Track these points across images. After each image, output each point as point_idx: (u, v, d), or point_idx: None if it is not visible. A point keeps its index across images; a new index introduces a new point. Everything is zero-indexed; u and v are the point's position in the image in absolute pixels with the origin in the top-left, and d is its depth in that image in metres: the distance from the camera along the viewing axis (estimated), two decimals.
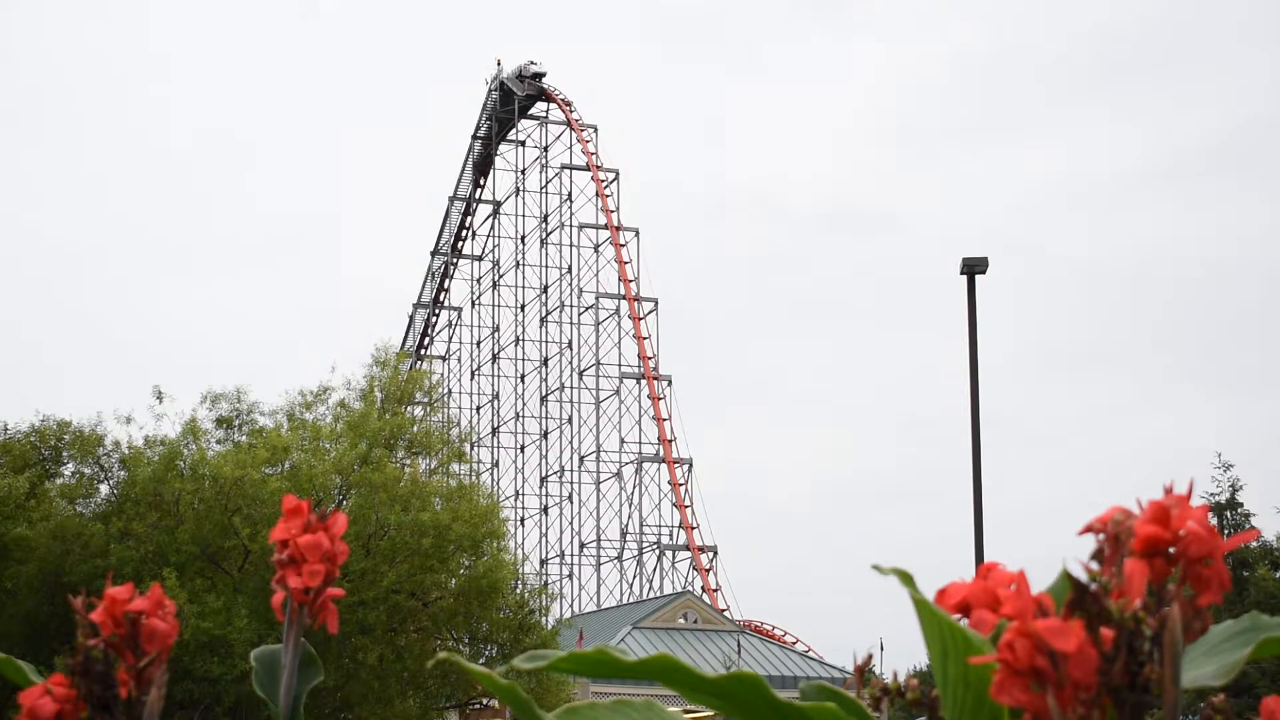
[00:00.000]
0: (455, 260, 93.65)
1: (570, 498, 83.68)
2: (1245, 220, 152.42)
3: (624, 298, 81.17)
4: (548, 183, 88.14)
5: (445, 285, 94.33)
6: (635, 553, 78.46)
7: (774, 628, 72.43)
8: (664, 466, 77.26)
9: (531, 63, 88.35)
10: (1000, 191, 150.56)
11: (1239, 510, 36.11)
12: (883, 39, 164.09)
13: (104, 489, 32.04)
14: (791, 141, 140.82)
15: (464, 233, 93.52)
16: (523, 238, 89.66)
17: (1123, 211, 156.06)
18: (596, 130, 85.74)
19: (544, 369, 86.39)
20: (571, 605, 77.90)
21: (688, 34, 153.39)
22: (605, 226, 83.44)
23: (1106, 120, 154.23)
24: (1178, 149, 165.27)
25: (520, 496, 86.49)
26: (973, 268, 23.54)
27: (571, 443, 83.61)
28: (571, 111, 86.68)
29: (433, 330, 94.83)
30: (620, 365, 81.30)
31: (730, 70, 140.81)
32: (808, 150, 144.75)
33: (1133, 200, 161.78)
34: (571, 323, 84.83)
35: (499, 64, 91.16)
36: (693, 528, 75.22)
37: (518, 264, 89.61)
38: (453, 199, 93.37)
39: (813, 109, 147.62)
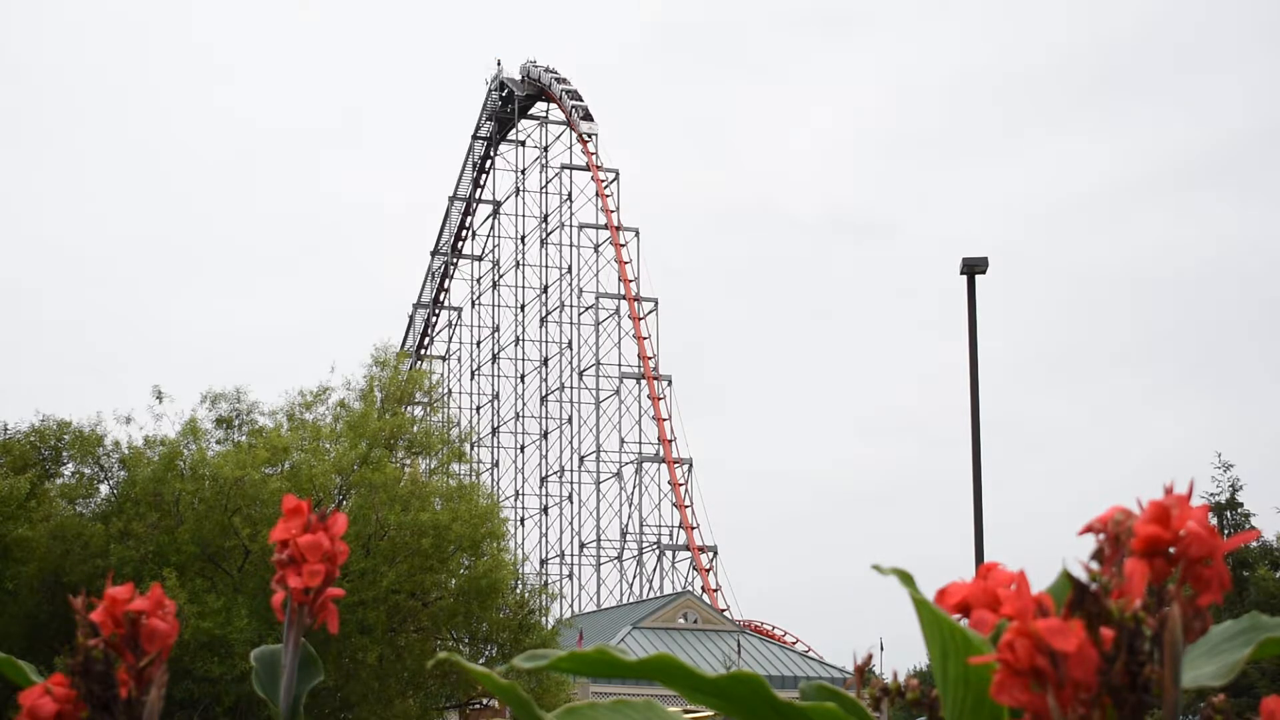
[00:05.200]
0: (455, 260, 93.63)
1: (570, 498, 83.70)
2: (1243, 225, 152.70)
3: (624, 298, 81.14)
4: (548, 183, 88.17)
5: (445, 285, 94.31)
6: (635, 553, 78.48)
7: (774, 628, 72.44)
8: (664, 466, 77.26)
9: (570, 92, 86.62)
10: (1000, 199, 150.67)
11: (1239, 510, 36.08)
12: (884, 48, 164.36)
13: (104, 489, 32.03)
14: (792, 146, 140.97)
15: (464, 233, 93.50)
16: (523, 238, 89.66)
17: (1121, 218, 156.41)
18: (596, 130, 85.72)
19: (544, 369, 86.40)
20: (571, 605, 77.87)
21: (688, 37, 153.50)
22: (605, 226, 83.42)
23: (1105, 130, 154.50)
24: (1175, 157, 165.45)
25: (520, 496, 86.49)
26: (973, 268, 23.54)
27: (571, 443, 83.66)
28: (571, 111, 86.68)
29: (433, 330, 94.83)
30: (620, 365, 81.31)
31: (731, 74, 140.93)
32: (808, 155, 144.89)
33: (1131, 207, 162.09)
34: (571, 323, 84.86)
35: (499, 64, 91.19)
36: (693, 528, 75.22)
37: (518, 264, 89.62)
38: (453, 199, 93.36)
39: (814, 115, 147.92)
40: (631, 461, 79.47)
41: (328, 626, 1.62)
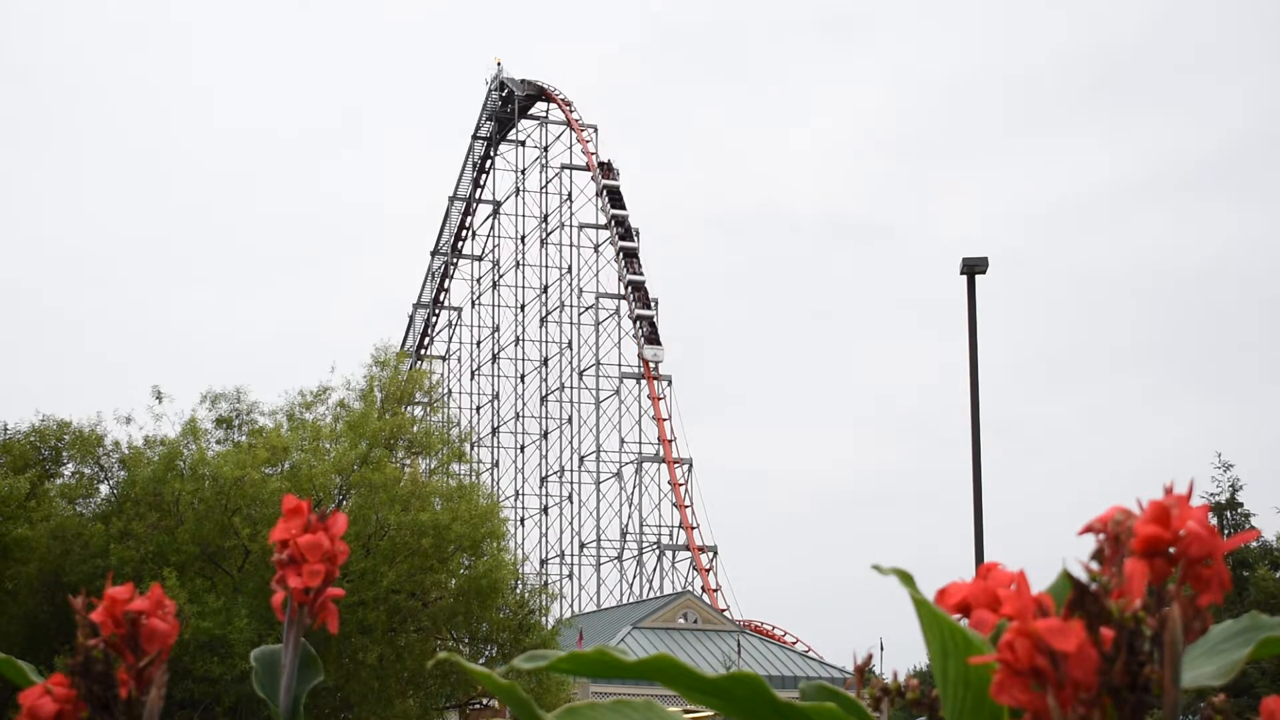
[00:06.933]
0: (455, 260, 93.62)
1: (570, 498, 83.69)
2: (1243, 226, 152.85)
3: (624, 298, 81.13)
4: (548, 183, 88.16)
5: (445, 285, 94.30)
6: (635, 553, 78.47)
7: (774, 628, 72.43)
8: (664, 466, 77.24)
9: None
10: (1000, 200, 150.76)
11: (1239, 510, 36.05)
12: (884, 50, 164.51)
13: (104, 489, 32.03)
14: (792, 147, 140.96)
15: (464, 233, 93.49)
16: (523, 238, 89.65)
17: (1121, 219, 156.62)
18: (596, 130, 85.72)
19: (544, 369, 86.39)
20: (571, 605, 77.89)
21: (689, 38, 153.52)
22: (605, 226, 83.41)
23: (1105, 131, 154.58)
24: (1175, 159, 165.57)
25: (520, 496, 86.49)
26: (973, 268, 23.55)
27: (571, 443, 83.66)
28: (571, 111, 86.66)
29: (433, 330, 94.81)
30: (620, 365, 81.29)
31: (731, 76, 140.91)
32: (808, 156, 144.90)
33: (1131, 208, 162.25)
34: (571, 323, 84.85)
35: (499, 64, 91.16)
36: (693, 528, 75.21)
37: (518, 264, 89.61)
38: (453, 199, 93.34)
39: (814, 117, 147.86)
40: (631, 461, 79.51)
41: (328, 626, 1.62)
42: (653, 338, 79.60)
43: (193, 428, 31.62)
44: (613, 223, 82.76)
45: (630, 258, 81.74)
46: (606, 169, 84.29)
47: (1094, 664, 1.13)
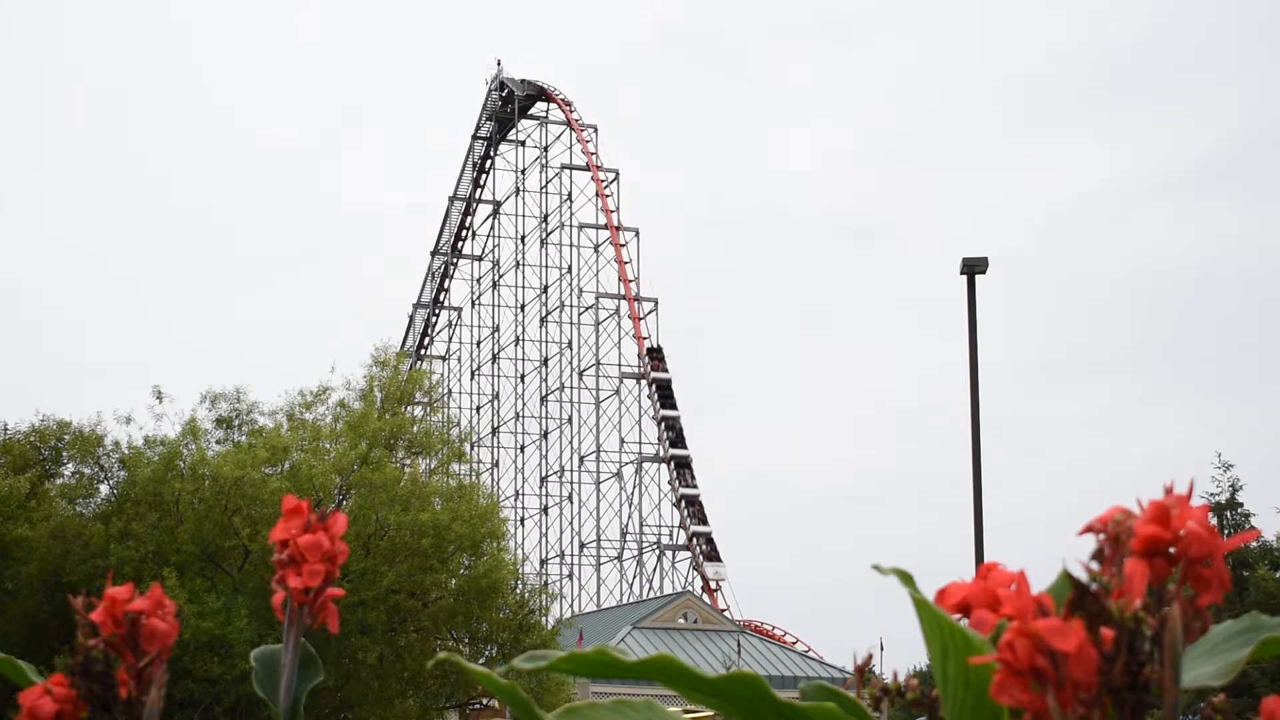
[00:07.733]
0: (455, 260, 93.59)
1: (570, 498, 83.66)
2: (1242, 226, 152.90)
3: (624, 298, 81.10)
4: (548, 183, 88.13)
5: (445, 285, 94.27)
6: (635, 553, 78.45)
7: (774, 628, 72.41)
8: (664, 466, 77.20)
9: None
10: (999, 200, 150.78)
11: (1239, 510, 36.08)
12: (884, 51, 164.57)
13: (104, 489, 32.02)
14: (791, 148, 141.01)
15: (464, 233, 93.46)
16: (523, 238, 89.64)
17: (1120, 219, 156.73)
18: (596, 130, 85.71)
19: (544, 369, 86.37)
20: (571, 605, 77.87)
21: (689, 38, 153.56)
22: (605, 226, 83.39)
23: (1104, 132, 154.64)
24: (1175, 159, 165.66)
25: (520, 496, 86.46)
26: (973, 267, 23.54)
27: (571, 443, 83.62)
28: (571, 111, 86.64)
29: (433, 330, 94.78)
30: (620, 365, 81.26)
31: (731, 76, 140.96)
32: (807, 157, 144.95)
33: (1130, 208, 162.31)
34: (571, 323, 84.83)
35: (499, 64, 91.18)
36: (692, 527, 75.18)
37: (518, 264, 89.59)
38: (453, 199, 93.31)
39: (813, 117, 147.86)
40: (631, 461, 79.48)
41: (328, 626, 1.62)
42: (712, 554, 70.94)
43: (193, 428, 31.61)
44: (662, 426, 74.64)
45: (683, 468, 72.99)
46: (656, 357, 75.59)
47: (1094, 664, 1.13)
